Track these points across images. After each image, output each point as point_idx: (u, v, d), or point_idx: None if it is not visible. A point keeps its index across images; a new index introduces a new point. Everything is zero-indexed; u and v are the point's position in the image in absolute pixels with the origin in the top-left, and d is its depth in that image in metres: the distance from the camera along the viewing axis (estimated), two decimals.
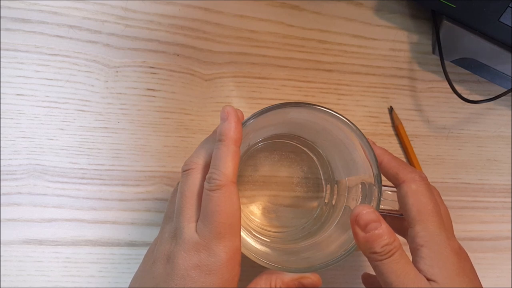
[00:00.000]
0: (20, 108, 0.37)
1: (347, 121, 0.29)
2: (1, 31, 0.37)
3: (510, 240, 0.41)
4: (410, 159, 0.40)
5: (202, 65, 0.39)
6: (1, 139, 0.36)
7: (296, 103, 0.29)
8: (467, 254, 0.28)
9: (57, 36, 0.37)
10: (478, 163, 0.41)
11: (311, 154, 0.36)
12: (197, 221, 0.27)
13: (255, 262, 0.28)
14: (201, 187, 0.27)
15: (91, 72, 0.37)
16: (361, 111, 0.40)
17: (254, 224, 0.35)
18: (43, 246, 0.36)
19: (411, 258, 0.27)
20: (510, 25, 0.35)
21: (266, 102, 0.39)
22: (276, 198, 0.36)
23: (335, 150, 0.34)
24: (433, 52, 0.40)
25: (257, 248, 0.31)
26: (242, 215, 0.27)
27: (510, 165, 0.42)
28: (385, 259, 0.25)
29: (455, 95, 0.38)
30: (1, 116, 0.37)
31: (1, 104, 0.37)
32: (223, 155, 0.27)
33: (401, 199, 0.29)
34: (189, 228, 0.26)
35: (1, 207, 0.36)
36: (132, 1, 0.38)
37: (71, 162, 0.37)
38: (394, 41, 0.41)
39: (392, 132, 0.41)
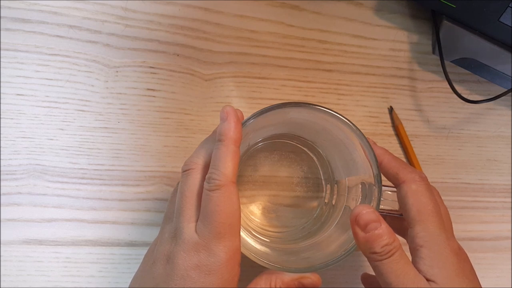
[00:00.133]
0: (20, 108, 0.37)
1: (347, 121, 0.29)
2: (1, 31, 0.37)
3: (510, 240, 0.41)
4: (410, 159, 0.40)
5: (202, 65, 0.39)
6: (1, 139, 0.36)
7: (296, 103, 0.29)
8: (466, 254, 0.28)
9: (57, 36, 0.37)
10: (478, 163, 0.41)
11: (311, 154, 0.36)
12: (197, 221, 0.27)
13: (255, 262, 0.28)
14: (201, 187, 0.27)
15: (91, 72, 0.37)
16: (361, 111, 0.40)
17: (254, 224, 0.35)
18: (43, 246, 0.36)
19: (410, 259, 0.27)
20: (510, 25, 0.35)
21: (266, 102, 0.39)
22: (276, 198, 0.36)
23: (335, 150, 0.34)
24: (433, 52, 0.40)
25: (257, 248, 0.31)
26: (242, 215, 0.27)
27: (510, 165, 0.41)
28: (385, 259, 0.25)
29: (455, 95, 0.38)
30: (1, 116, 0.37)
31: (1, 104, 0.37)
32: (222, 155, 0.27)
33: (401, 199, 0.29)
34: (189, 228, 0.26)
35: (1, 207, 0.36)
36: (132, 1, 0.38)
37: (71, 162, 0.37)
38: (394, 41, 0.41)
39: (392, 132, 0.41)
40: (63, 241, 0.37)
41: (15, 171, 0.36)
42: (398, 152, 0.40)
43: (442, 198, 0.31)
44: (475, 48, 0.38)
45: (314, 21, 0.40)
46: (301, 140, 0.36)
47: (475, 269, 0.28)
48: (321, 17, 0.40)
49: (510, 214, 0.41)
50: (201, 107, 0.38)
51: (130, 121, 0.38)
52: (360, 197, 0.31)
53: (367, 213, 0.26)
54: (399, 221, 0.31)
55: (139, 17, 0.38)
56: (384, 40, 0.41)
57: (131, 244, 0.37)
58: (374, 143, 0.32)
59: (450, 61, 0.39)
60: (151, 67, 0.38)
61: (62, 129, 0.37)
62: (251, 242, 0.31)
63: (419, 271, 0.26)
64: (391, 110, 0.40)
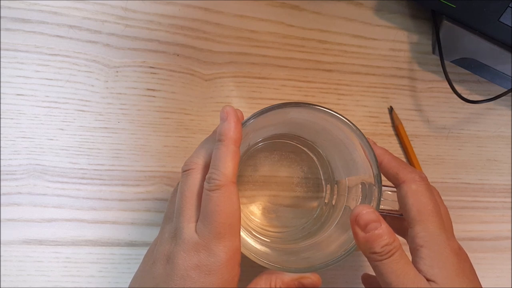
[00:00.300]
0: (20, 108, 0.37)
1: (347, 121, 0.29)
2: (1, 31, 0.37)
3: (510, 240, 0.41)
4: (410, 159, 0.40)
5: (202, 65, 0.39)
6: (1, 139, 0.36)
7: (296, 103, 0.29)
8: (466, 254, 0.28)
9: (57, 36, 0.37)
10: (478, 163, 0.41)
11: (311, 154, 0.36)
12: (197, 221, 0.27)
13: (255, 262, 0.28)
14: (201, 187, 0.27)
15: (91, 72, 0.37)
16: (361, 111, 0.40)
17: (254, 224, 0.35)
18: (43, 246, 0.36)
19: (410, 259, 0.27)
20: (510, 25, 0.35)
21: (266, 102, 0.39)
22: (276, 198, 0.36)
23: (335, 150, 0.34)
24: (433, 52, 0.40)
25: (257, 248, 0.31)
26: (242, 215, 0.27)
27: (510, 165, 0.41)
28: (385, 259, 0.25)
29: (455, 95, 0.38)
30: (1, 116, 0.37)
31: (1, 104, 0.37)
32: (222, 155, 0.27)
33: (401, 199, 0.29)
34: (189, 228, 0.26)
35: (1, 207, 0.36)
36: (132, 1, 0.38)
37: (71, 162, 0.37)
38: (394, 41, 0.41)
39: (392, 132, 0.41)
40: (63, 241, 0.37)
41: (15, 171, 0.36)
42: (398, 152, 0.40)
43: (442, 198, 0.31)
44: (475, 48, 0.38)
45: (314, 21, 0.40)
46: (301, 140, 0.36)
47: (475, 269, 0.28)
48: (321, 17, 0.40)
49: (510, 214, 0.41)
50: (201, 107, 0.38)
51: (130, 121, 0.38)
52: (360, 197, 0.31)
53: (367, 213, 0.26)
54: (399, 221, 0.31)
55: (139, 17, 0.38)
56: (384, 40, 0.41)
57: (131, 244, 0.37)
58: (374, 143, 0.32)
59: (450, 61, 0.39)
60: (151, 67, 0.38)
61: (62, 129, 0.37)
62: (251, 242, 0.31)
63: (419, 271, 0.26)
64: (391, 110, 0.40)
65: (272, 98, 0.39)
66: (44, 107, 0.37)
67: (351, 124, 0.29)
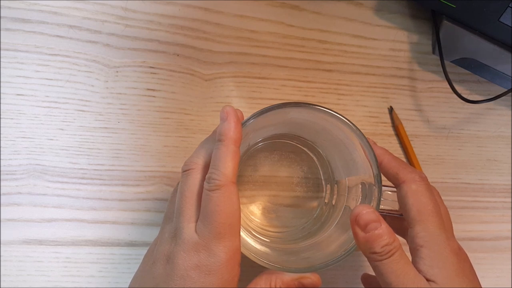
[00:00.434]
0: (20, 108, 0.37)
1: (347, 121, 0.29)
2: (1, 31, 0.37)
3: (510, 240, 0.41)
4: (410, 159, 0.40)
5: (202, 65, 0.39)
6: (1, 139, 0.36)
7: (296, 103, 0.29)
8: (466, 254, 0.28)
9: (57, 36, 0.37)
10: (478, 163, 0.41)
11: (311, 154, 0.36)
12: (197, 221, 0.27)
13: (255, 262, 0.28)
14: (201, 187, 0.27)
15: (91, 72, 0.37)
16: (361, 111, 0.40)
17: (254, 224, 0.35)
18: (43, 246, 0.36)
19: (410, 259, 0.27)
20: (510, 25, 0.35)
21: (266, 102, 0.39)
22: (276, 198, 0.36)
23: (335, 150, 0.34)
24: (433, 52, 0.40)
25: (257, 248, 0.31)
26: (242, 215, 0.27)
27: (510, 165, 0.41)
28: (385, 259, 0.25)
29: (455, 95, 0.38)
30: (1, 116, 0.37)
31: (1, 104, 0.37)
32: (222, 155, 0.27)
33: (401, 199, 0.29)
34: (189, 228, 0.26)
35: (1, 207, 0.36)
36: (132, 1, 0.38)
37: (71, 162, 0.37)
38: (394, 41, 0.41)
39: (392, 132, 0.41)
40: (63, 241, 0.37)
41: (15, 171, 0.36)
42: (398, 152, 0.40)
43: (442, 198, 0.31)
44: (475, 48, 0.38)
45: (314, 21, 0.40)
46: (301, 140, 0.36)
47: (475, 269, 0.28)
48: (321, 17, 0.40)
49: (510, 214, 0.41)
50: (201, 107, 0.38)
51: (130, 121, 0.38)
52: (360, 197, 0.31)
53: (367, 213, 0.26)
54: (399, 221, 0.31)
55: (139, 17, 0.38)
56: (384, 40, 0.41)
57: (131, 244, 0.37)
58: (374, 143, 0.32)
59: (450, 61, 0.39)
60: (151, 67, 0.38)
61: (62, 129, 0.37)
62: (251, 242, 0.31)
63: (419, 271, 0.26)
64: (391, 110, 0.40)
65: (272, 98, 0.39)
66: (44, 107, 0.37)
67: (351, 124, 0.29)
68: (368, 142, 0.29)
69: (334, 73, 0.40)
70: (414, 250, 0.27)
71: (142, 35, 0.38)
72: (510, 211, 0.41)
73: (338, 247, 0.30)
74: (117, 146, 0.37)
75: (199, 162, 0.28)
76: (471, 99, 0.38)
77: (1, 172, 0.36)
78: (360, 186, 0.31)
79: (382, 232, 0.26)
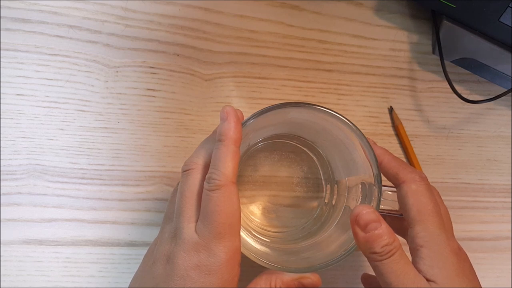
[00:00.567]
0: (20, 108, 0.37)
1: (347, 121, 0.29)
2: (1, 31, 0.37)
3: (510, 240, 0.41)
4: (410, 159, 0.40)
5: (202, 65, 0.39)
6: (1, 139, 0.36)
7: (296, 103, 0.29)
8: (466, 254, 0.28)
9: (57, 36, 0.37)
10: (478, 163, 0.41)
11: (311, 154, 0.36)
12: (197, 221, 0.27)
13: (255, 262, 0.28)
14: (201, 187, 0.27)
15: (91, 72, 0.37)
16: (361, 111, 0.40)
17: (254, 224, 0.35)
18: (43, 246, 0.36)
19: (410, 259, 0.27)
20: (510, 25, 0.35)
21: (266, 102, 0.39)
22: (276, 198, 0.36)
23: (335, 150, 0.34)
24: (433, 52, 0.40)
25: (257, 248, 0.31)
26: (242, 215, 0.27)
27: (510, 165, 0.41)
28: (385, 259, 0.25)
29: (455, 95, 0.38)
30: (1, 116, 0.37)
31: (1, 104, 0.37)
32: (222, 155, 0.27)
33: (401, 199, 0.29)
34: (189, 228, 0.26)
35: (1, 207, 0.36)
36: (132, 1, 0.38)
37: (71, 162, 0.37)
38: (394, 41, 0.41)
39: (392, 132, 0.41)
40: (63, 241, 0.37)
41: (15, 171, 0.36)
42: (398, 152, 0.40)
43: (442, 198, 0.31)
44: (475, 48, 0.38)
45: (314, 21, 0.40)
46: (301, 140, 0.36)
47: (475, 269, 0.28)
48: (321, 17, 0.40)
49: (510, 214, 0.41)
50: (201, 107, 0.38)
51: (130, 121, 0.38)
52: (360, 197, 0.31)
53: (367, 213, 0.26)
54: (399, 221, 0.31)
55: (139, 17, 0.38)
56: (384, 40, 0.41)
57: (131, 244, 0.37)
58: (374, 143, 0.32)
59: (450, 61, 0.39)
60: (151, 67, 0.38)
61: (62, 129, 0.37)
62: (251, 242, 0.31)
63: (419, 271, 0.26)
64: (391, 110, 0.40)
65: (272, 98, 0.39)
66: (44, 107, 0.37)
67: (351, 124, 0.29)
68: (368, 142, 0.29)
69: (334, 73, 0.40)
70: (414, 250, 0.27)
71: (142, 35, 0.38)
72: (510, 211, 0.41)
73: (338, 247, 0.30)
74: (117, 146, 0.37)
75: (199, 162, 0.28)
76: (471, 99, 0.38)
77: (1, 172, 0.36)
78: (360, 186, 0.31)
79: (382, 232, 0.26)
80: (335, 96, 0.40)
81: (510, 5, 0.34)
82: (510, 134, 0.42)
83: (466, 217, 0.41)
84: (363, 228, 0.26)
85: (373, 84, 0.40)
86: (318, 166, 0.36)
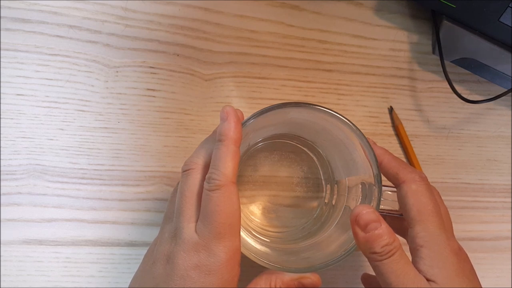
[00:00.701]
0: (20, 108, 0.37)
1: (347, 121, 0.29)
2: (1, 31, 0.37)
3: (510, 240, 0.41)
4: (410, 159, 0.40)
5: (202, 65, 0.39)
6: (1, 139, 0.36)
7: (296, 103, 0.29)
8: (466, 254, 0.28)
9: (57, 36, 0.37)
10: (478, 163, 0.41)
11: (311, 154, 0.36)
12: (197, 221, 0.27)
13: (255, 262, 0.28)
14: (201, 187, 0.27)
15: (91, 72, 0.37)
16: (361, 111, 0.40)
17: (254, 224, 0.35)
18: (43, 246, 0.36)
19: (410, 259, 0.27)
20: (510, 25, 0.35)
21: (266, 102, 0.39)
22: (276, 198, 0.36)
23: (335, 150, 0.34)
24: (433, 52, 0.40)
25: (257, 248, 0.31)
26: (242, 215, 0.27)
27: (510, 165, 0.41)
28: (385, 259, 0.25)
29: (455, 95, 0.38)
30: (1, 116, 0.37)
31: (1, 104, 0.37)
32: (222, 155, 0.27)
33: (401, 199, 0.29)
34: (189, 228, 0.26)
35: (1, 207, 0.36)
36: (132, 1, 0.38)
37: (71, 162, 0.37)
38: (394, 41, 0.41)
39: (392, 132, 0.41)
40: (63, 241, 0.37)
41: (15, 171, 0.36)
42: (398, 152, 0.40)
43: (442, 198, 0.31)
44: (475, 48, 0.38)
45: (314, 21, 0.40)
46: (301, 140, 0.36)
47: (475, 269, 0.28)
48: (321, 17, 0.40)
49: (510, 214, 0.41)
50: (201, 107, 0.38)
51: (130, 121, 0.38)
52: (360, 197, 0.31)
53: (367, 213, 0.26)
54: (399, 221, 0.31)
55: (139, 17, 0.38)
56: (384, 40, 0.41)
57: (131, 244, 0.37)
58: (374, 143, 0.32)
59: (450, 61, 0.39)
60: (151, 67, 0.38)
61: (62, 129, 0.37)
62: (251, 242, 0.31)
63: (419, 271, 0.26)
64: (391, 110, 0.40)
65: (272, 98, 0.39)
66: (44, 107, 0.37)
67: (351, 124, 0.29)
68: (368, 142, 0.29)
69: (334, 73, 0.40)
70: (414, 250, 0.27)
71: (142, 35, 0.38)
72: (510, 211, 0.41)
73: (338, 247, 0.30)
74: (117, 146, 0.37)
75: (199, 162, 0.28)
76: (471, 99, 0.38)
77: (1, 172, 0.36)
78: (360, 186, 0.31)
79: (382, 232, 0.26)
80: (335, 96, 0.40)
81: (510, 5, 0.34)
82: (510, 134, 0.42)
83: (466, 217, 0.41)
84: (363, 228, 0.26)
85: (373, 84, 0.40)
86: (318, 166, 0.36)
